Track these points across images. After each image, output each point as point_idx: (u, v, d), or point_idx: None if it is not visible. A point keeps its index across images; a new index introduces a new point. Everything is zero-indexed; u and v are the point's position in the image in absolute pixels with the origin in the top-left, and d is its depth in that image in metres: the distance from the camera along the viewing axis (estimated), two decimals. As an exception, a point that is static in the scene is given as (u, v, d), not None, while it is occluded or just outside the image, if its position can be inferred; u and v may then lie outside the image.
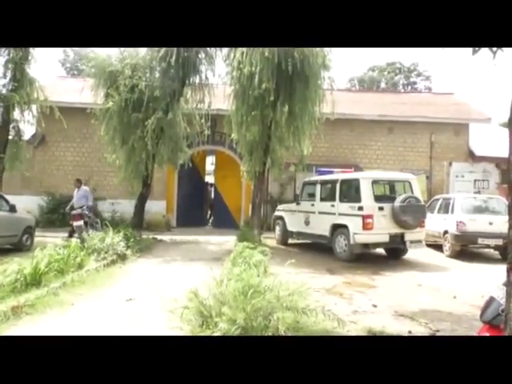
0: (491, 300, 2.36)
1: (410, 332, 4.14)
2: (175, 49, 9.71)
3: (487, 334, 2.33)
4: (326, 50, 9.59)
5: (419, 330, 4.26)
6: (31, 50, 9.77)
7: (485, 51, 2.52)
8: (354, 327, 4.17)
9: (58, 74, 26.10)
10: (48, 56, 38.11)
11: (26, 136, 11.26)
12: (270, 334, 3.13)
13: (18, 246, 8.77)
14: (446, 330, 4.28)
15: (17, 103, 9.45)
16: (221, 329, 3.01)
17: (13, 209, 8.75)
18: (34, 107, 10.15)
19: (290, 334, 3.27)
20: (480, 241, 9.33)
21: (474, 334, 2.53)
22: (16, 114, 9.82)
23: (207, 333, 3.12)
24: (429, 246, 9.90)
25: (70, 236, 9.73)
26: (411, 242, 8.66)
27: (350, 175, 10.20)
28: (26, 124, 10.23)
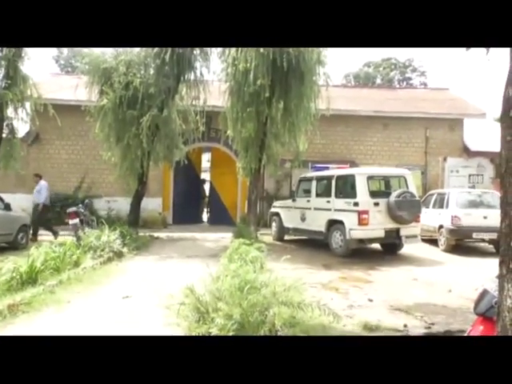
0: (485, 293, 2.38)
1: (405, 325, 4.18)
2: (170, 45, 9.68)
3: (481, 327, 2.35)
4: (321, 46, 9.60)
5: (414, 323, 4.30)
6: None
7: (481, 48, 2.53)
8: (350, 321, 4.21)
9: (52, 71, 25.95)
10: (41, 53, 37.80)
11: (20, 134, 11.18)
12: (266, 329, 3.15)
13: (13, 244, 8.74)
14: (440, 322, 4.32)
15: (10, 101, 9.38)
16: (217, 324, 3.03)
17: (8, 207, 8.72)
18: (27, 105, 10.08)
19: (285, 333, 3.29)
20: (475, 235, 9.40)
21: (469, 326, 2.55)
22: (9, 111, 9.75)
23: (204, 328, 3.14)
24: (424, 240, 9.96)
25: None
26: (407, 236, 8.72)
27: (346, 171, 10.21)
28: (20, 122, 10.17)
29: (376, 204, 8.51)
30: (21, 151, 10.25)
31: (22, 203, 11.30)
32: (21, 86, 9.56)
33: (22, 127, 10.96)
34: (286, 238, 11.02)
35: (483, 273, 6.06)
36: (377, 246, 9.53)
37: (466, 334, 2.46)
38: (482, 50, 2.63)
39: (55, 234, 10.01)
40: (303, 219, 10.02)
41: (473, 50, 2.63)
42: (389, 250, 9.26)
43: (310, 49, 9.22)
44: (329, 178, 9.52)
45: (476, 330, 2.38)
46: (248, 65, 8.89)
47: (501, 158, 2.21)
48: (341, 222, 8.67)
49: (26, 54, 9.72)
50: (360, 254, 8.79)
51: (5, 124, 9.81)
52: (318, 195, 9.77)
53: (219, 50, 10.33)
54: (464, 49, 2.64)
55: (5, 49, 9.29)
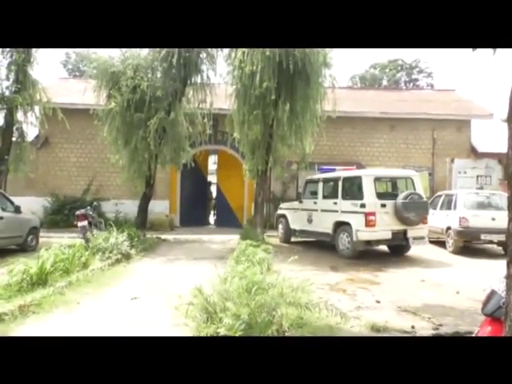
0: (492, 293, 2.38)
1: (413, 327, 4.17)
2: (176, 49, 9.76)
3: (489, 328, 2.35)
4: (327, 48, 9.61)
5: (422, 324, 4.29)
6: (34, 52, 9.84)
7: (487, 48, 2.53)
8: (358, 323, 4.21)
9: (60, 75, 26.21)
10: (50, 58, 38.26)
11: (30, 138, 11.33)
12: (274, 329, 3.17)
13: (23, 246, 8.85)
14: (448, 324, 4.30)
15: (20, 105, 9.53)
16: (225, 324, 3.05)
17: (18, 210, 8.83)
18: (36, 109, 10.22)
19: (293, 333, 3.30)
20: (483, 236, 9.33)
21: (477, 328, 2.55)
22: (19, 115, 9.90)
23: (212, 328, 3.16)
24: (432, 242, 9.91)
25: None
26: (414, 238, 8.68)
27: (352, 173, 10.21)
28: (30, 126, 10.31)
29: (383, 205, 8.49)
30: (30, 155, 10.41)
31: (31, 206, 11.43)
32: (30, 91, 9.71)
33: (31, 131, 11.13)
34: (293, 239, 11.02)
35: (491, 274, 6.01)
36: (384, 247, 9.50)
37: (473, 335, 2.46)
38: (489, 50, 2.64)
39: None
40: (310, 221, 10.02)
41: (479, 50, 2.64)
42: (396, 251, 9.22)
43: (316, 51, 9.24)
44: (335, 180, 9.51)
45: (484, 330, 2.38)
46: (254, 67, 8.94)
47: (508, 159, 2.22)
48: (348, 224, 8.66)
49: (34, 59, 9.88)
50: (367, 255, 8.77)
51: (15, 128, 9.96)
52: (324, 197, 9.77)
53: (225, 52, 10.40)
54: (470, 50, 2.65)
55: (14, 54, 9.44)
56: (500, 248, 9.54)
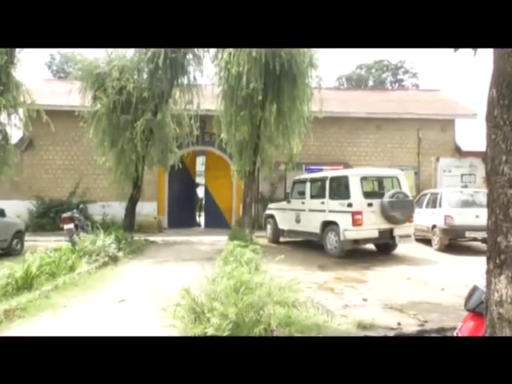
0: (474, 289, 2.43)
1: (399, 324, 4.23)
2: (163, 50, 9.74)
3: (471, 323, 2.40)
4: (314, 49, 9.68)
5: (408, 321, 4.36)
6: (17, 53, 9.69)
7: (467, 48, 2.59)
8: (345, 320, 4.25)
9: (45, 76, 25.86)
10: (34, 59, 37.72)
11: (14, 140, 11.15)
12: (261, 328, 3.19)
13: (7, 250, 8.71)
14: (434, 320, 4.38)
15: (3, 107, 9.36)
16: (213, 324, 3.06)
17: (2, 213, 8.70)
18: (20, 111, 10.06)
19: (281, 332, 3.32)
20: (467, 234, 9.50)
21: (461, 323, 2.59)
22: (3, 117, 9.73)
23: (199, 328, 3.17)
24: (418, 240, 10.04)
25: None
26: (400, 236, 8.79)
27: (339, 172, 10.28)
28: (13, 128, 10.14)
29: (370, 205, 8.57)
30: (14, 157, 10.22)
31: (16, 209, 11.26)
32: (14, 92, 9.54)
33: (15, 133, 10.95)
34: (281, 240, 11.06)
35: (476, 271, 6.12)
36: (371, 246, 9.59)
37: (456, 330, 2.50)
38: (471, 51, 2.69)
39: None
40: (298, 221, 10.07)
41: (462, 51, 2.70)
42: (383, 250, 9.32)
43: (302, 52, 9.31)
44: (323, 180, 9.58)
45: (467, 325, 2.42)
46: (241, 68, 8.96)
47: (486, 156, 2.27)
48: (335, 223, 8.73)
49: (18, 61, 9.71)
50: (354, 254, 8.84)
51: (-2, 130, 9.78)
52: (312, 197, 9.83)
53: (212, 54, 10.42)
54: (452, 50, 2.71)
55: (-3, 55, 9.27)
56: (484, 245, 9.71)
